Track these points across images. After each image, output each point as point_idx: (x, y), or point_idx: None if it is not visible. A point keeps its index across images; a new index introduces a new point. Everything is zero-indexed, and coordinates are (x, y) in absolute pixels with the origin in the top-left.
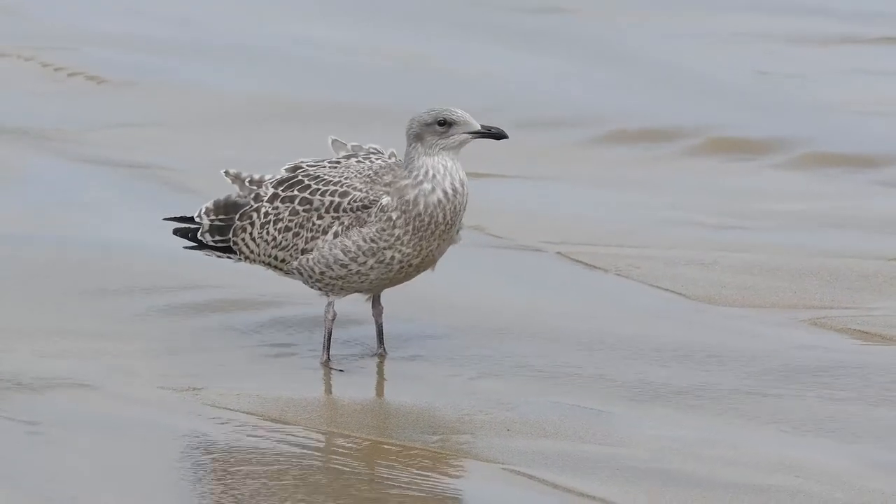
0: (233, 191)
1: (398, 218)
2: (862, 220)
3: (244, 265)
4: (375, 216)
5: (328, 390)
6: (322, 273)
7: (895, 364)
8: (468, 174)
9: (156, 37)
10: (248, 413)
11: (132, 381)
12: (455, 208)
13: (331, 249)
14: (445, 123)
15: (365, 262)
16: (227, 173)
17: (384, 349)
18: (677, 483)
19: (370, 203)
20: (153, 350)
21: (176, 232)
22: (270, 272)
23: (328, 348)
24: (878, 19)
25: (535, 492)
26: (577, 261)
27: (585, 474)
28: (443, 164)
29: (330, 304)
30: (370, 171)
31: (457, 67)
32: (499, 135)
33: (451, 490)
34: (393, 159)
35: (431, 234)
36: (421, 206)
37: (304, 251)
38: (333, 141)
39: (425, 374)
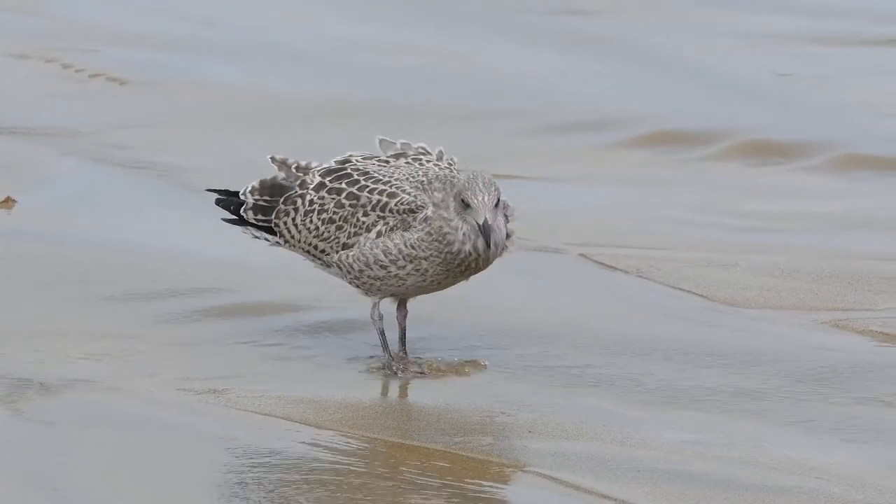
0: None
1: (434, 241)
2: (883, 222)
3: (269, 259)
4: (419, 223)
5: (350, 392)
6: (361, 272)
7: None
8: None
9: (179, 36)
10: (269, 415)
11: (152, 382)
12: (489, 260)
13: (372, 249)
14: (465, 203)
15: (404, 267)
16: (272, 159)
17: (406, 352)
18: (698, 484)
19: (417, 208)
20: (174, 352)
21: (218, 203)
22: (308, 262)
23: (387, 347)
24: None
25: (557, 494)
26: (599, 262)
27: (607, 476)
28: (473, 232)
29: (374, 305)
30: (424, 178)
31: (480, 67)
32: (485, 240)
33: (472, 492)
34: (446, 165)
35: (461, 273)
36: (454, 248)
37: (345, 245)
38: (381, 140)
39: (446, 375)
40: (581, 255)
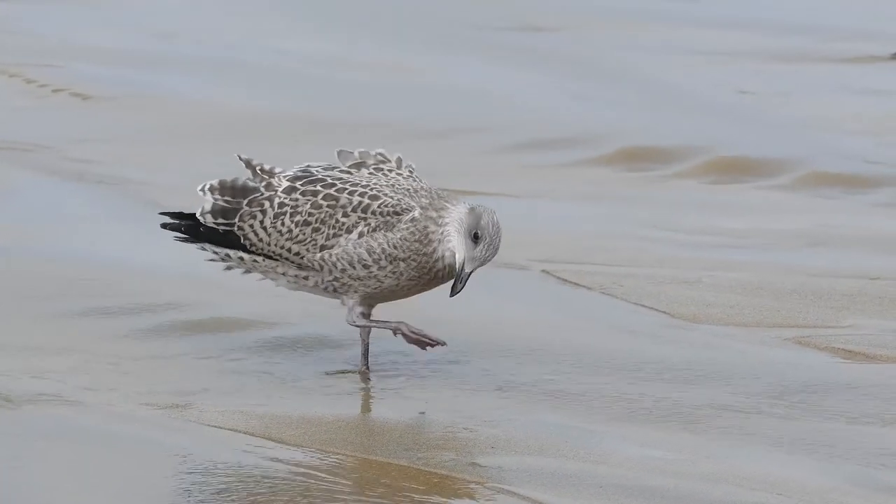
0: (241, 175)
1: (416, 241)
2: (845, 239)
3: (230, 274)
4: (405, 223)
5: (312, 408)
6: (343, 270)
7: (879, 383)
8: (450, 190)
9: (141, 51)
10: (232, 430)
11: (115, 397)
12: (454, 272)
13: (355, 248)
14: (475, 238)
15: (384, 268)
16: (240, 157)
17: (367, 366)
18: (661, 500)
19: (402, 210)
20: (136, 367)
21: (165, 226)
22: (268, 281)
23: (365, 355)
24: (858, 37)
25: None
26: (562, 279)
27: (570, 492)
28: (459, 253)
29: (351, 310)
30: (407, 187)
31: (440, 84)
32: (454, 289)
33: None
34: (407, 174)
35: (430, 280)
36: (431, 249)
37: (322, 247)
38: (340, 151)
39: (409, 390)
40: (544, 271)
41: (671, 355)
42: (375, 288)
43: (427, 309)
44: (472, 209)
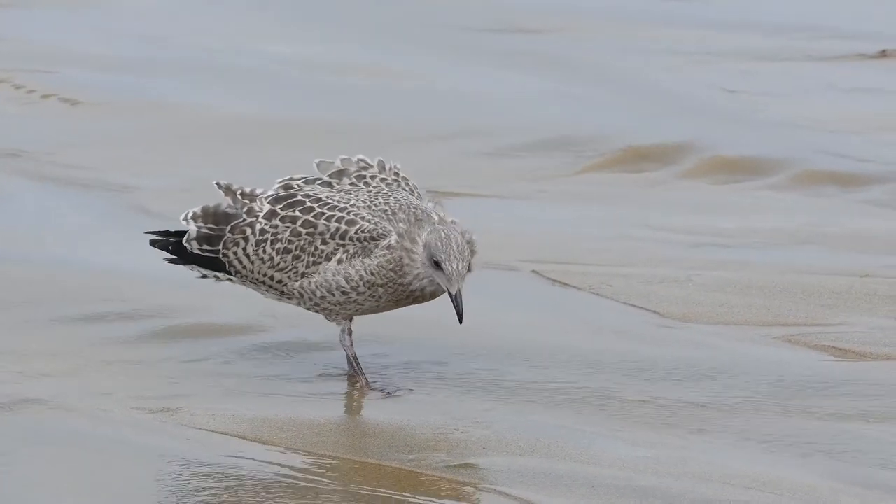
0: (222, 201)
1: (392, 269)
2: (834, 237)
3: (224, 286)
4: (381, 250)
5: (303, 410)
6: (322, 298)
7: (869, 380)
8: (441, 192)
9: (130, 57)
10: (223, 433)
11: (106, 402)
12: (435, 295)
13: (334, 276)
14: (436, 264)
15: (363, 293)
16: (218, 185)
17: (365, 378)
18: (653, 500)
19: (378, 236)
20: (127, 372)
21: (154, 244)
22: (257, 294)
23: (363, 372)
24: (846, 36)
25: None
26: (552, 279)
27: (562, 492)
28: (431, 283)
29: (343, 331)
30: (386, 207)
31: (432, 87)
32: (458, 314)
33: None
34: (392, 178)
35: (411, 301)
36: (407, 280)
37: (303, 275)
38: (319, 162)
39: (400, 392)
40: (534, 271)
41: (661, 355)
42: (356, 311)
43: (416, 309)
44: (425, 243)
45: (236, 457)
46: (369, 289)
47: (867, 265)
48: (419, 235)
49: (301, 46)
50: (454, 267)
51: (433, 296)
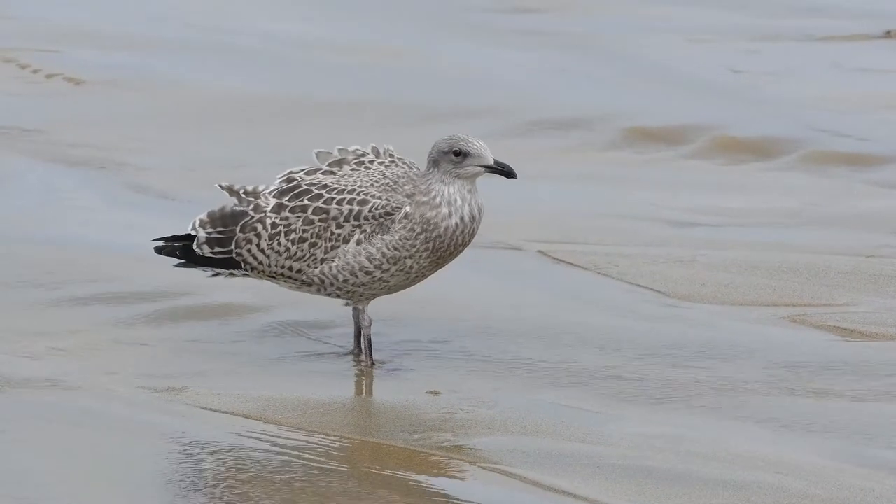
0: (226, 202)
1: (420, 233)
2: (840, 217)
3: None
4: (399, 223)
5: (309, 390)
6: (345, 281)
7: (874, 361)
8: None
9: (135, 36)
10: (228, 413)
11: (112, 381)
12: (472, 232)
13: (355, 257)
14: (461, 154)
15: (388, 270)
16: (221, 186)
17: (361, 349)
18: (657, 480)
19: (393, 210)
20: (133, 352)
21: (160, 251)
22: (274, 285)
23: (371, 354)
24: (851, 16)
25: (516, 490)
26: (558, 259)
27: (567, 472)
28: (460, 194)
29: (363, 312)
30: (387, 180)
31: (434, 67)
32: (508, 173)
33: (431, 488)
34: (389, 160)
35: (450, 254)
36: (441, 229)
37: (322, 260)
38: (318, 153)
39: (406, 373)
40: (540, 251)
41: (667, 335)
42: (381, 289)
43: (422, 289)
44: (432, 158)
45: (242, 435)
46: (395, 264)
47: (873, 245)
48: (424, 185)
49: (303, 25)
50: (477, 144)
51: (472, 236)
